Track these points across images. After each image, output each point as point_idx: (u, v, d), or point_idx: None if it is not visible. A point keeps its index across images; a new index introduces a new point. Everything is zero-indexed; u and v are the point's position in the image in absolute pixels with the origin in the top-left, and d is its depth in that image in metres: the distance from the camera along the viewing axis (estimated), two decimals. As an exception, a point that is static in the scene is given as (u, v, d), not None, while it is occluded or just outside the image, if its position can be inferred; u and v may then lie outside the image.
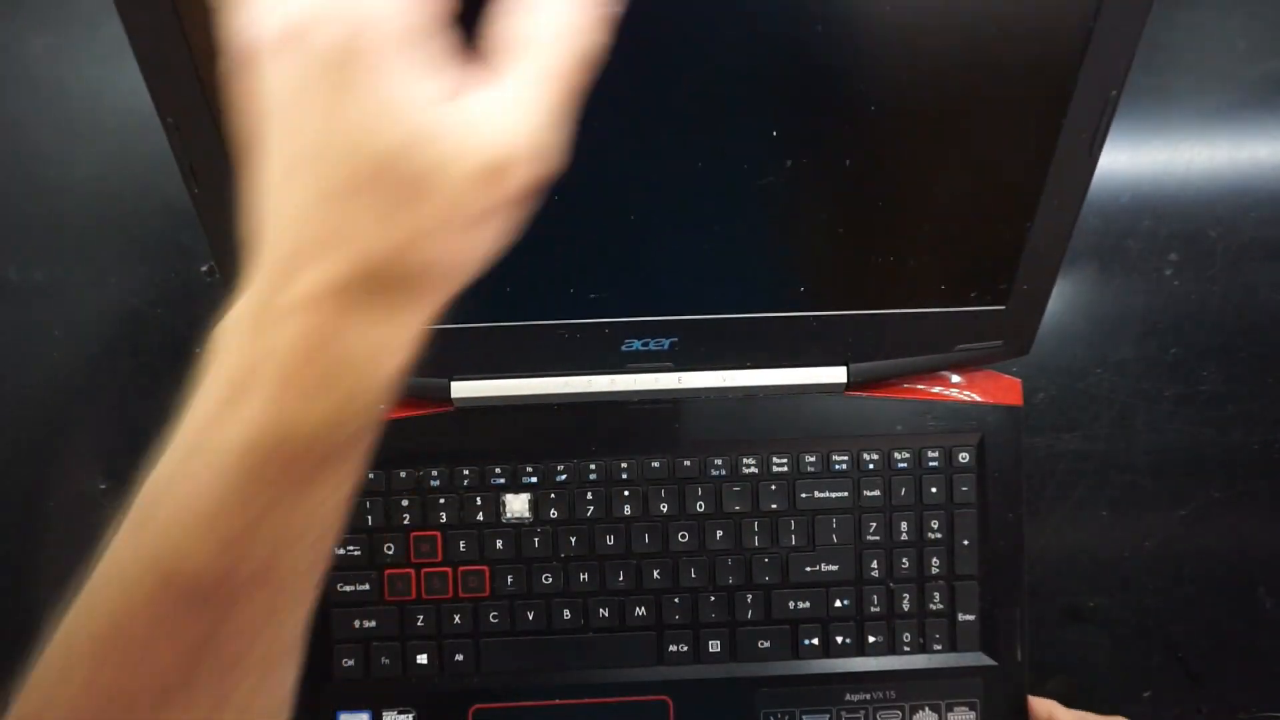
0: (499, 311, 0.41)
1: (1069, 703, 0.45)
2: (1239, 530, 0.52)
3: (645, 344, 0.42)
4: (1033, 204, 0.38)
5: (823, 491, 0.44)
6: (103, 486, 0.50)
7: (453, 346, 0.42)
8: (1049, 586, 0.51)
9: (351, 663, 0.44)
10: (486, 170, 0.22)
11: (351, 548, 0.44)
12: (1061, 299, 0.51)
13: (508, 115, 0.22)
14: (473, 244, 0.23)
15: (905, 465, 0.44)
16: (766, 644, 0.44)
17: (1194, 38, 0.47)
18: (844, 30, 0.34)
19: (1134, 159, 0.51)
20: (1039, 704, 0.45)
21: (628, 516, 0.44)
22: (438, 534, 0.44)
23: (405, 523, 0.44)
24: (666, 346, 0.42)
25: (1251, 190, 0.51)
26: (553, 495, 0.44)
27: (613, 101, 0.35)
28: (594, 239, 0.39)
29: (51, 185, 0.50)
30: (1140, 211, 0.51)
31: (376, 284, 0.22)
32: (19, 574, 0.51)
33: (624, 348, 0.42)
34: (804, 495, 0.44)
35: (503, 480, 0.44)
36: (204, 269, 0.49)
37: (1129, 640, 0.52)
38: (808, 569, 0.44)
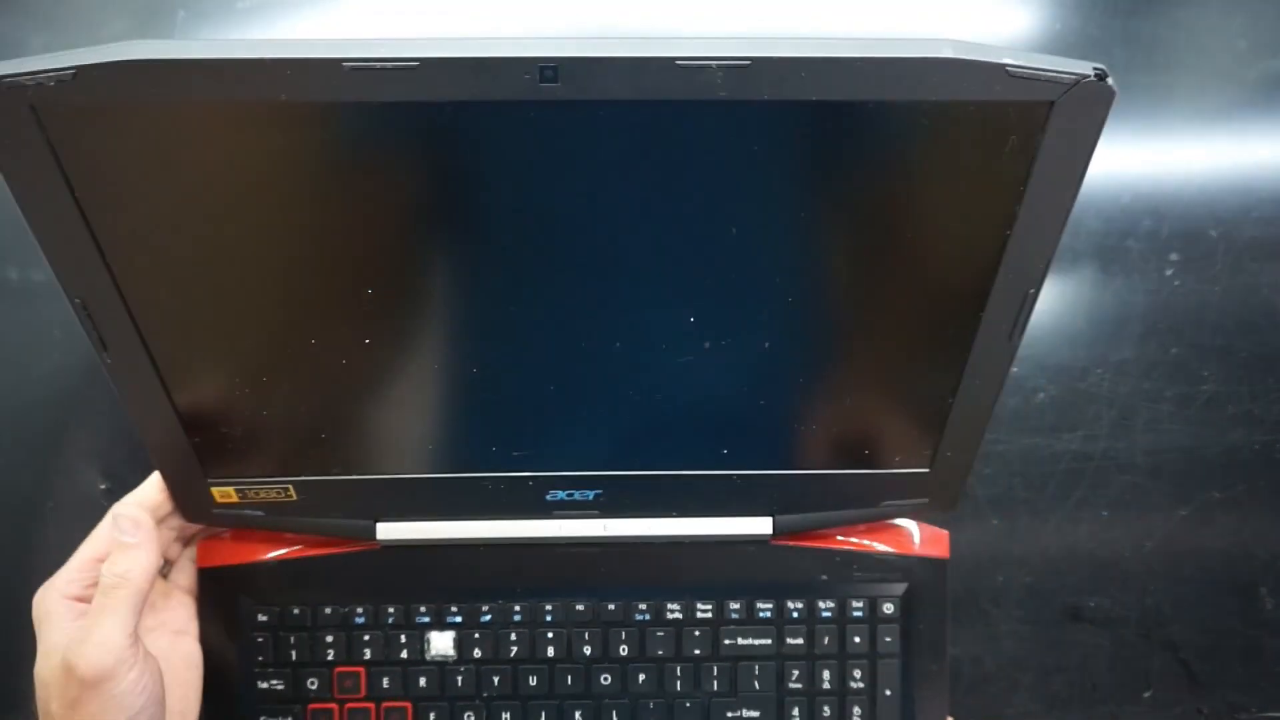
0: (423, 464, 0.41)
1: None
2: (1239, 530, 0.52)
3: (570, 495, 0.42)
4: (955, 382, 0.38)
5: (746, 639, 0.44)
6: (103, 486, 0.50)
7: (377, 493, 0.42)
8: (1049, 586, 0.51)
9: (273, 796, 0.44)
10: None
11: (275, 682, 0.44)
12: (1062, 299, 0.50)
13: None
14: None
15: (829, 614, 0.44)
16: None
17: (1194, 38, 0.46)
18: (757, 225, 0.34)
19: (1134, 158, 0.50)
20: None
21: (551, 658, 0.44)
22: (361, 670, 0.44)
23: (329, 658, 0.44)
24: (591, 497, 0.42)
25: (1252, 190, 0.50)
26: (477, 635, 0.44)
27: (538, 282, 0.35)
28: (518, 404, 0.39)
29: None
30: (1140, 211, 0.50)
31: None
32: (19, 574, 0.50)
33: (548, 497, 0.42)
34: (727, 642, 0.44)
35: (427, 619, 0.44)
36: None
37: (1129, 640, 0.52)
38: (729, 715, 0.44)
